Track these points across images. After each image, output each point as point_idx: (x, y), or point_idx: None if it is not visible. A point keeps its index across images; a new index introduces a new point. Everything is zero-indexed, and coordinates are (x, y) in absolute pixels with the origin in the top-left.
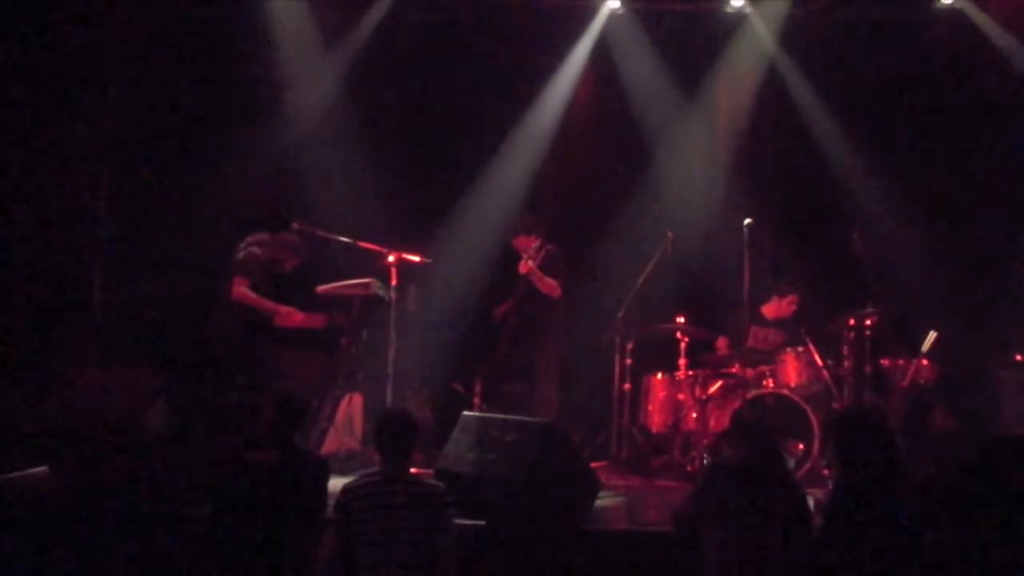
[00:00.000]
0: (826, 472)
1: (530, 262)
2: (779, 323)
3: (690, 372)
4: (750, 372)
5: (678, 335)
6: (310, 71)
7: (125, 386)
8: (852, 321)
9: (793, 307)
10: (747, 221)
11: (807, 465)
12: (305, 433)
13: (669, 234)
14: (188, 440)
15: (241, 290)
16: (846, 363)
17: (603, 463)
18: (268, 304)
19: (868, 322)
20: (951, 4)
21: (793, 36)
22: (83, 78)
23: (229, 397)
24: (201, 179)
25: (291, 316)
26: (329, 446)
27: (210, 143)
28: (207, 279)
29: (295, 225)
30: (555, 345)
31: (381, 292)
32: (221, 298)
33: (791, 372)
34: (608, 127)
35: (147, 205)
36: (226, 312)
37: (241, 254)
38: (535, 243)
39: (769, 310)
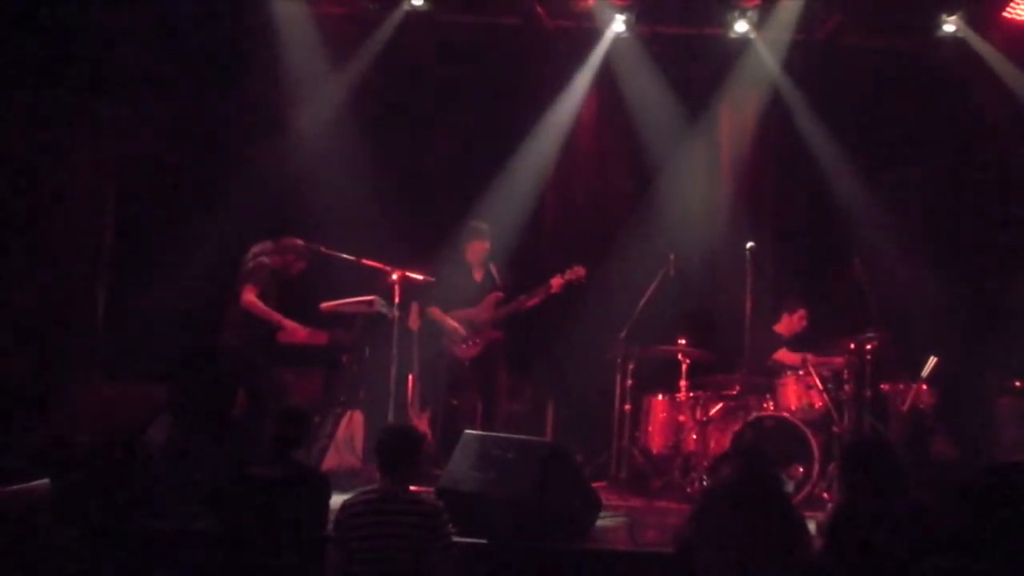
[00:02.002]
0: (826, 495)
1: (563, 277)
2: (801, 340)
3: (691, 393)
4: (750, 394)
5: (679, 356)
6: (316, 90)
7: (128, 401)
8: (853, 346)
9: (803, 322)
10: (749, 244)
11: (807, 488)
12: (306, 450)
13: (671, 256)
14: (192, 455)
15: (250, 298)
16: (847, 387)
17: (603, 483)
18: (276, 316)
19: (868, 347)
20: (953, 33)
21: (796, 62)
22: (89, 89)
23: (232, 412)
24: (206, 194)
25: (296, 332)
26: (330, 463)
27: (215, 159)
28: (212, 293)
29: (299, 242)
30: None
31: (384, 310)
32: (228, 312)
33: (791, 395)
34: (612, 150)
35: (152, 219)
36: (233, 327)
37: (250, 264)
38: (485, 249)
39: (782, 328)
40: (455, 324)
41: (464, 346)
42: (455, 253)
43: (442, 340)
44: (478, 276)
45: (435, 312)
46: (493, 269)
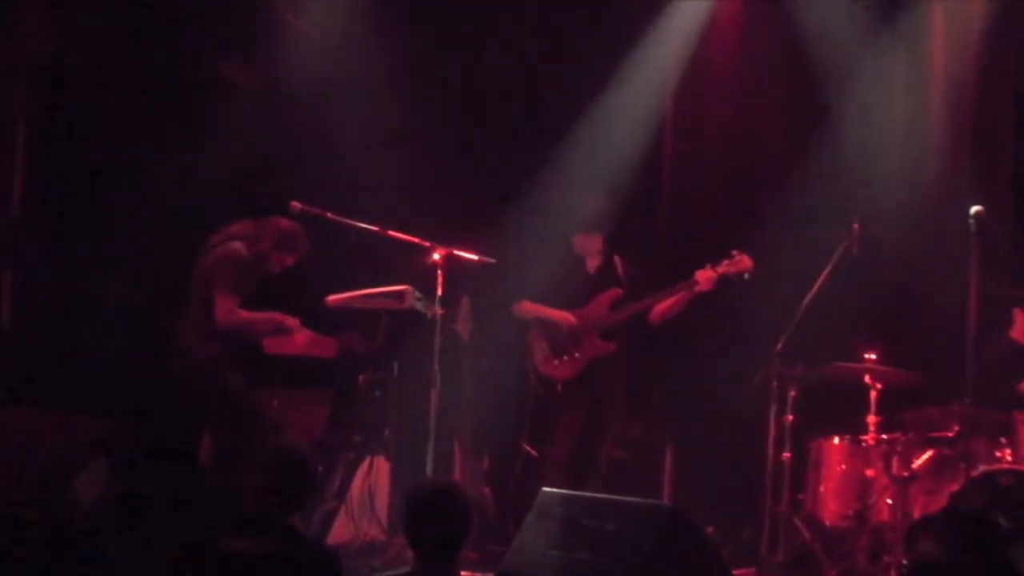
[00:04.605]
0: None
1: (716, 270)
2: None
3: (884, 436)
4: (976, 436)
5: (867, 379)
6: None
7: (43, 439)
8: None
9: None
10: (974, 209)
11: None
12: (306, 513)
13: (854, 227)
14: (138, 518)
15: (228, 313)
16: None
17: (751, 569)
18: (264, 316)
19: None
20: None
21: None
22: None
23: (198, 458)
24: (160, 135)
25: (291, 338)
26: (341, 533)
27: (174, 81)
28: (168, 284)
29: (294, 205)
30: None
31: (420, 306)
32: (190, 313)
33: None
34: (763, 72)
35: (79, 173)
36: (197, 334)
37: (220, 253)
38: (599, 244)
39: (1018, 333)
40: (563, 315)
41: (557, 362)
42: (556, 226)
43: (526, 354)
44: (592, 265)
45: (527, 306)
46: (617, 259)
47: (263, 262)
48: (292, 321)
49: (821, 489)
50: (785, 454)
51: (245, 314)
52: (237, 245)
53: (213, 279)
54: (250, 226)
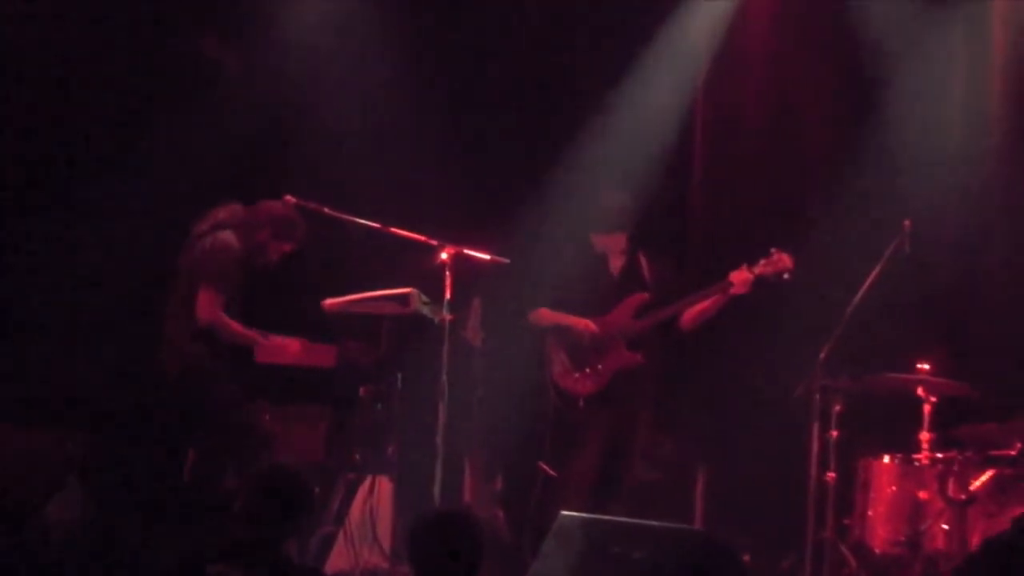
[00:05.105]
0: None
1: (753, 271)
2: None
3: (939, 454)
4: None
5: (920, 391)
6: None
7: (10, 458)
8: None
9: None
10: None
11: None
12: (302, 539)
13: (906, 223)
14: (116, 542)
15: (213, 311)
16: None
17: None
18: (251, 334)
19: None
20: None
21: None
22: None
23: (181, 477)
24: (135, 120)
25: (285, 347)
26: (338, 562)
27: (148, 62)
28: (145, 290)
29: (288, 199)
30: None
31: (426, 311)
32: (172, 317)
33: None
34: (803, 57)
35: (41, 156)
36: (180, 340)
37: (208, 244)
38: (623, 242)
39: None
40: (584, 323)
41: (577, 374)
42: (574, 224)
43: (544, 366)
44: (615, 266)
45: (544, 314)
46: (643, 259)
47: (260, 253)
48: (276, 339)
49: (870, 513)
50: (829, 474)
51: (231, 323)
52: (227, 235)
53: (199, 273)
54: (241, 212)
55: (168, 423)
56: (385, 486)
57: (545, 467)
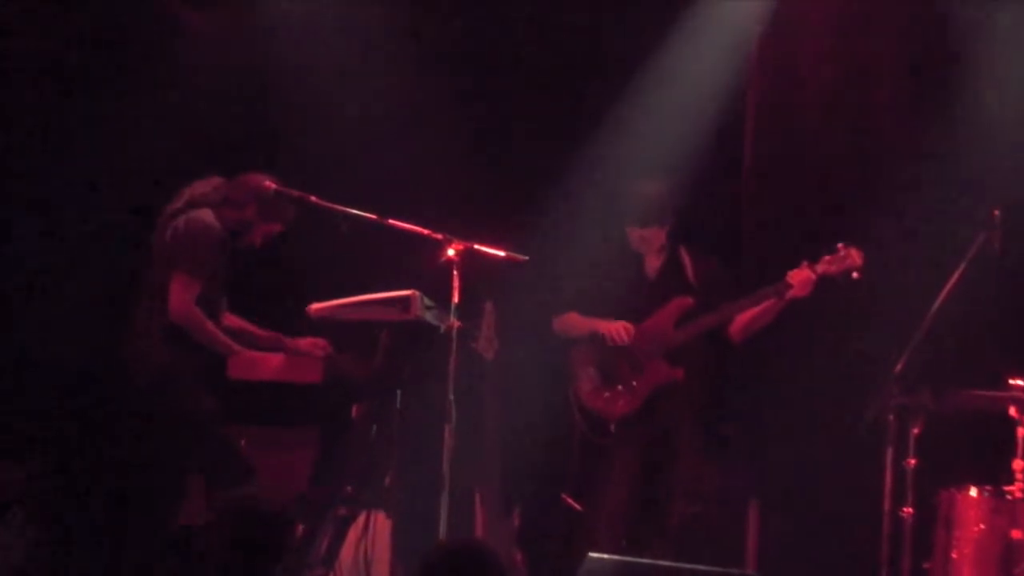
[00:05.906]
0: None
1: (815, 269)
2: None
3: None
4: None
5: (1013, 412)
6: None
7: None
8: None
9: None
10: None
11: None
12: None
13: (995, 214)
14: None
15: (186, 303)
16: None
17: None
18: (223, 339)
19: None
20: None
21: None
22: None
23: (144, 508)
24: (104, 88)
25: (265, 358)
26: None
27: (120, 30)
28: (108, 278)
29: (268, 185)
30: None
31: (430, 317)
32: (139, 316)
33: None
34: (873, 25)
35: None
36: (146, 344)
37: (183, 226)
38: (661, 238)
39: None
40: (622, 325)
41: (609, 393)
42: (603, 217)
43: (569, 382)
44: (652, 266)
45: (573, 320)
46: (685, 257)
47: (245, 234)
48: (251, 352)
49: (953, 555)
50: (906, 509)
51: (204, 321)
52: (204, 214)
53: (172, 258)
54: (223, 187)
55: (132, 443)
56: (382, 523)
57: (570, 500)
